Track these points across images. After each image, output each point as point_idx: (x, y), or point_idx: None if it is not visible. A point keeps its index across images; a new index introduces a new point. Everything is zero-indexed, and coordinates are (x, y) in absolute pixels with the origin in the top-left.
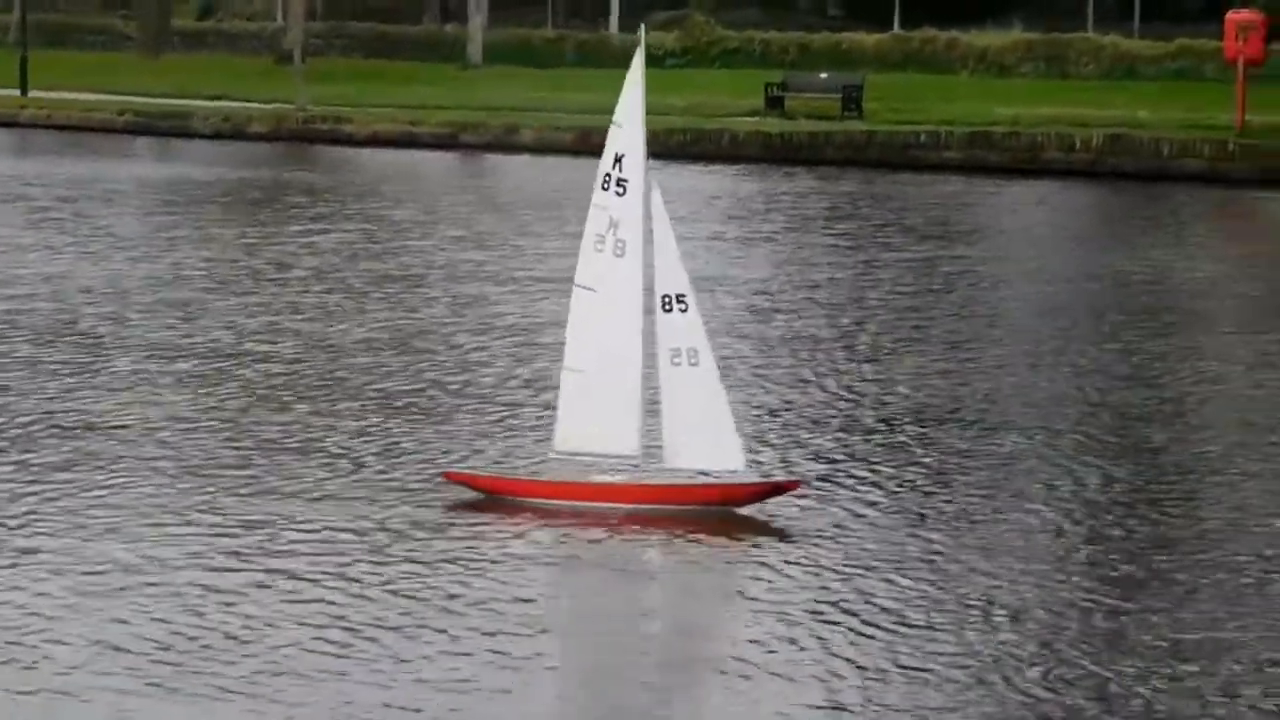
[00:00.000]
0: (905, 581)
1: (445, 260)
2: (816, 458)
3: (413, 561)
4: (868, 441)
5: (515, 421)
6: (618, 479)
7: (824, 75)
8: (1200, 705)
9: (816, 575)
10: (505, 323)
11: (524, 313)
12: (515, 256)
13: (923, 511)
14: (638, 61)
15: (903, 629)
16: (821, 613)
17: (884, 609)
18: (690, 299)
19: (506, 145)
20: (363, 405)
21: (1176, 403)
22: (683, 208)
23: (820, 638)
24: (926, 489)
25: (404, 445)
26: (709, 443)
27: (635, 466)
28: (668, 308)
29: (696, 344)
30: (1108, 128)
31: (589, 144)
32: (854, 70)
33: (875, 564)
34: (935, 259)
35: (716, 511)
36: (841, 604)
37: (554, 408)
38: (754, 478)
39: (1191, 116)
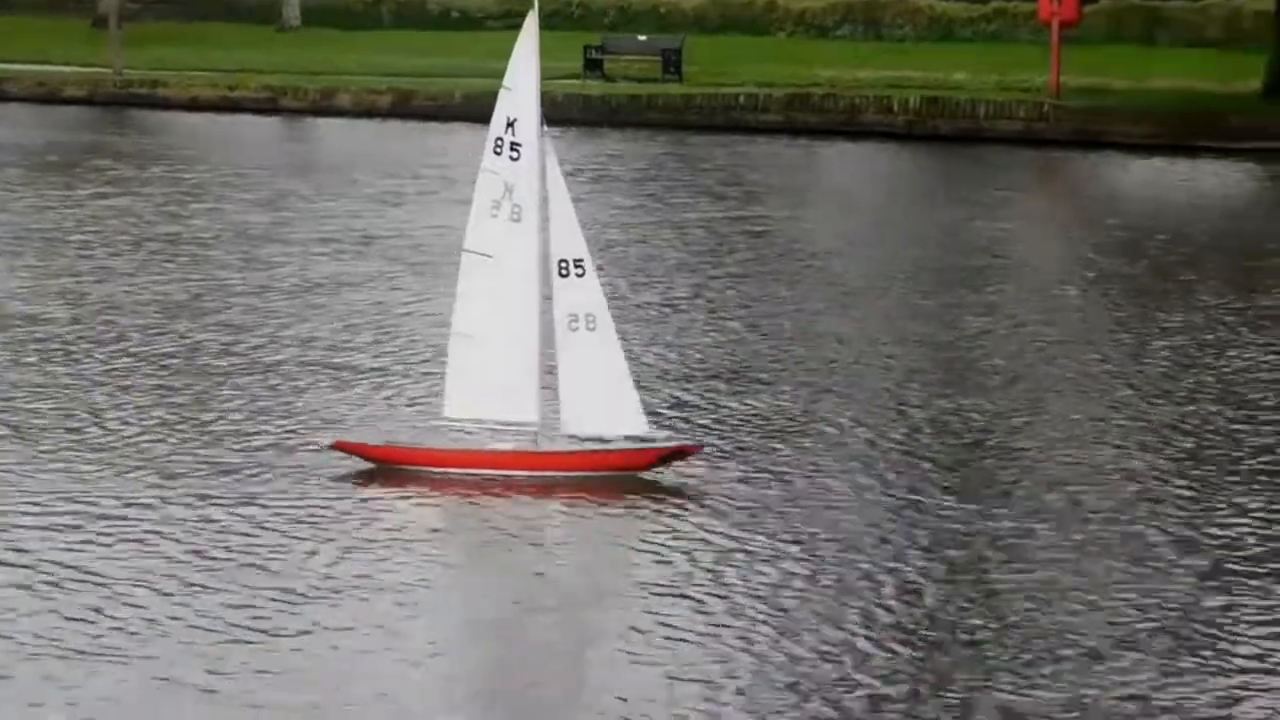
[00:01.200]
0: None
1: (237, 223)
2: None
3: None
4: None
5: (300, 384)
6: (518, 446)
7: (643, 38)
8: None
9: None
10: (284, 285)
11: (303, 275)
12: (308, 218)
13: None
14: (530, 25)
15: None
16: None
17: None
18: (588, 264)
19: (324, 109)
20: (132, 367)
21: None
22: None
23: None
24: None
25: (158, 413)
26: (609, 407)
27: (534, 433)
28: (564, 272)
29: (594, 309)
30: (925, 90)
31: (407, 107)
32: (673, 33)
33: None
34: (737, 219)
35: (618, 476)
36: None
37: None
38: (656, 442)
39: (1007, 79)
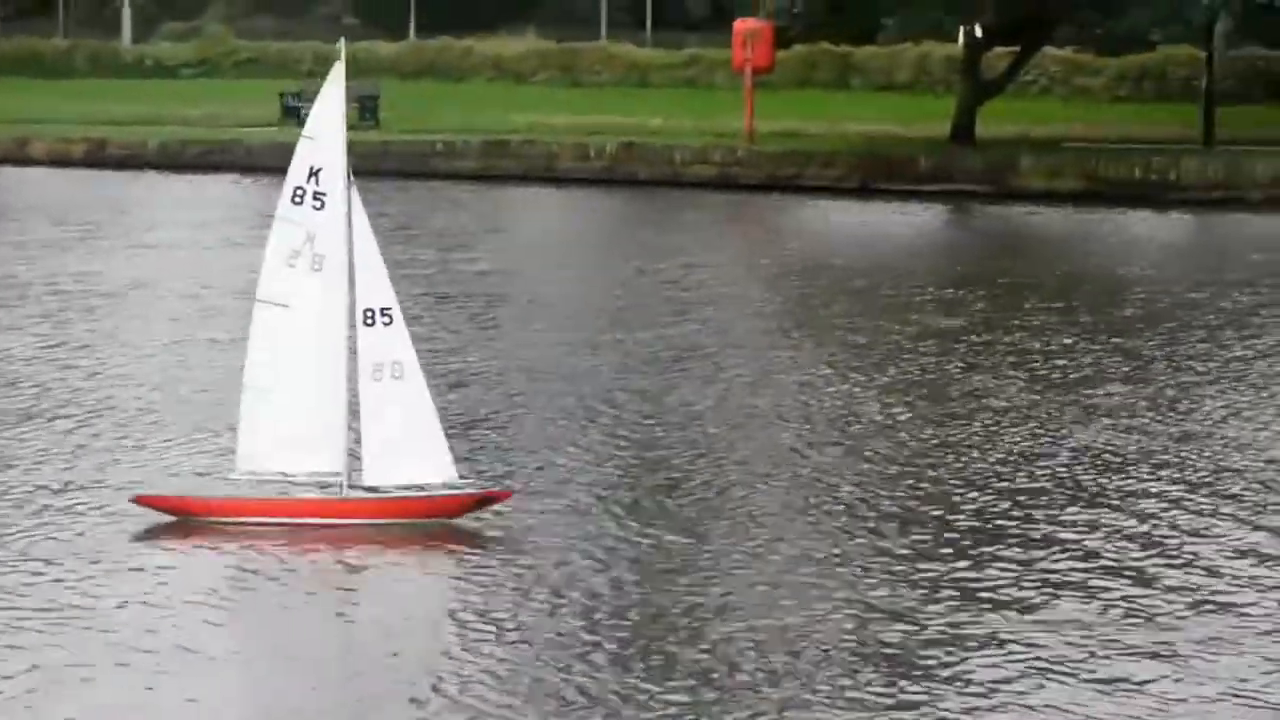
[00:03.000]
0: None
1: None
2: None
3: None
4: None
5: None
6: (324, 495)
7: None
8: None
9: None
10: None
11: None
12: None
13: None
14: (336, 74)
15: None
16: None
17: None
18: (395, 312)
19: (18, 158)
20: None
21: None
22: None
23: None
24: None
25: None
26: (416, 456)
27: (340, 483)
28: (370, 321)
29: (400, 357)
30: (621, 135)
31: (101, 155)
32: (370, 79)
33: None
34: (408, 261)
35: (427, 524)
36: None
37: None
38: (464, 489)
39: (703, 124)
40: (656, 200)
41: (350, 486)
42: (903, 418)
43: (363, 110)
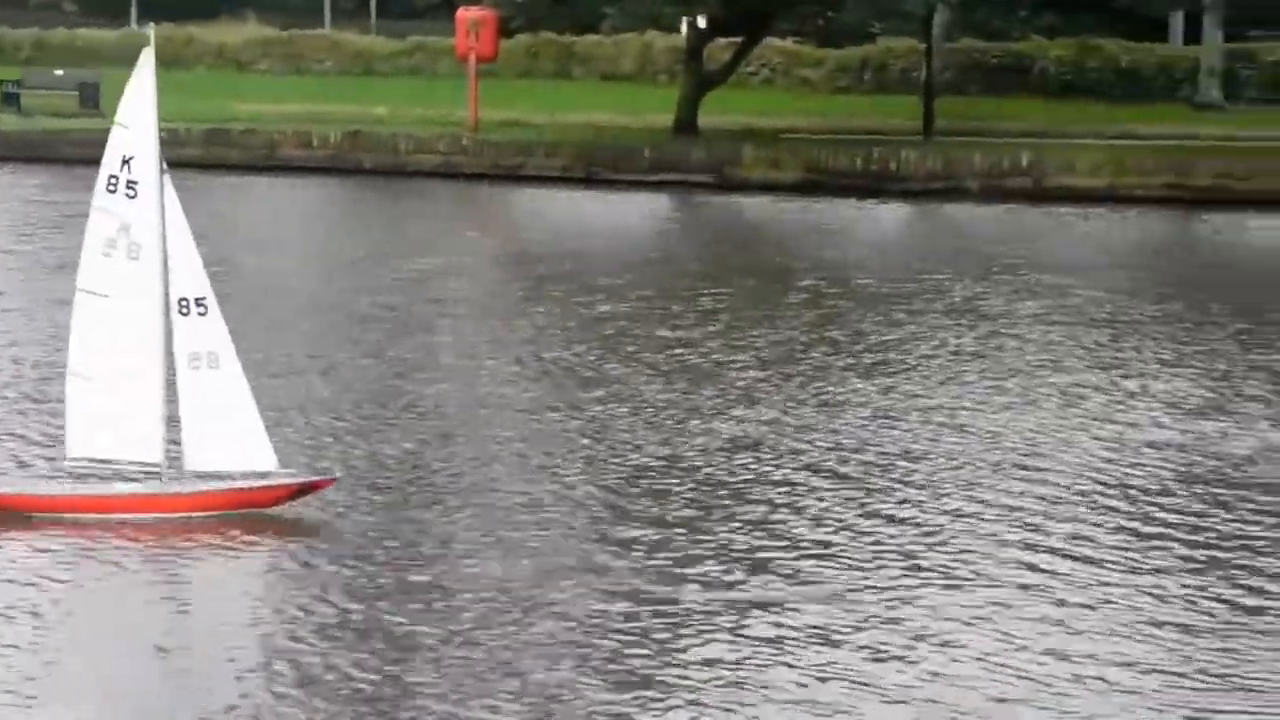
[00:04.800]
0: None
1: None
2: None
3: None
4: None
5: None
6: (144, 487)
7: (60, 72)
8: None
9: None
10: None
11: None
12: None
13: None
14: (146, 63)
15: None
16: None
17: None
18: (210, 301)
19: None
20: None
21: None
22: None
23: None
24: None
25: None
26: (235, 445)
27: (159, 472)
28: (185, 310)
29: (217, 347)
30: (346, 124)
31: None
32: (91, 67)
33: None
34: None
35: (246, 514)
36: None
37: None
38: (284, 478)
39: (428, 113)
40: (380, 189)
41: (171, 475)
42: (540, 401)
43: (84, 98)
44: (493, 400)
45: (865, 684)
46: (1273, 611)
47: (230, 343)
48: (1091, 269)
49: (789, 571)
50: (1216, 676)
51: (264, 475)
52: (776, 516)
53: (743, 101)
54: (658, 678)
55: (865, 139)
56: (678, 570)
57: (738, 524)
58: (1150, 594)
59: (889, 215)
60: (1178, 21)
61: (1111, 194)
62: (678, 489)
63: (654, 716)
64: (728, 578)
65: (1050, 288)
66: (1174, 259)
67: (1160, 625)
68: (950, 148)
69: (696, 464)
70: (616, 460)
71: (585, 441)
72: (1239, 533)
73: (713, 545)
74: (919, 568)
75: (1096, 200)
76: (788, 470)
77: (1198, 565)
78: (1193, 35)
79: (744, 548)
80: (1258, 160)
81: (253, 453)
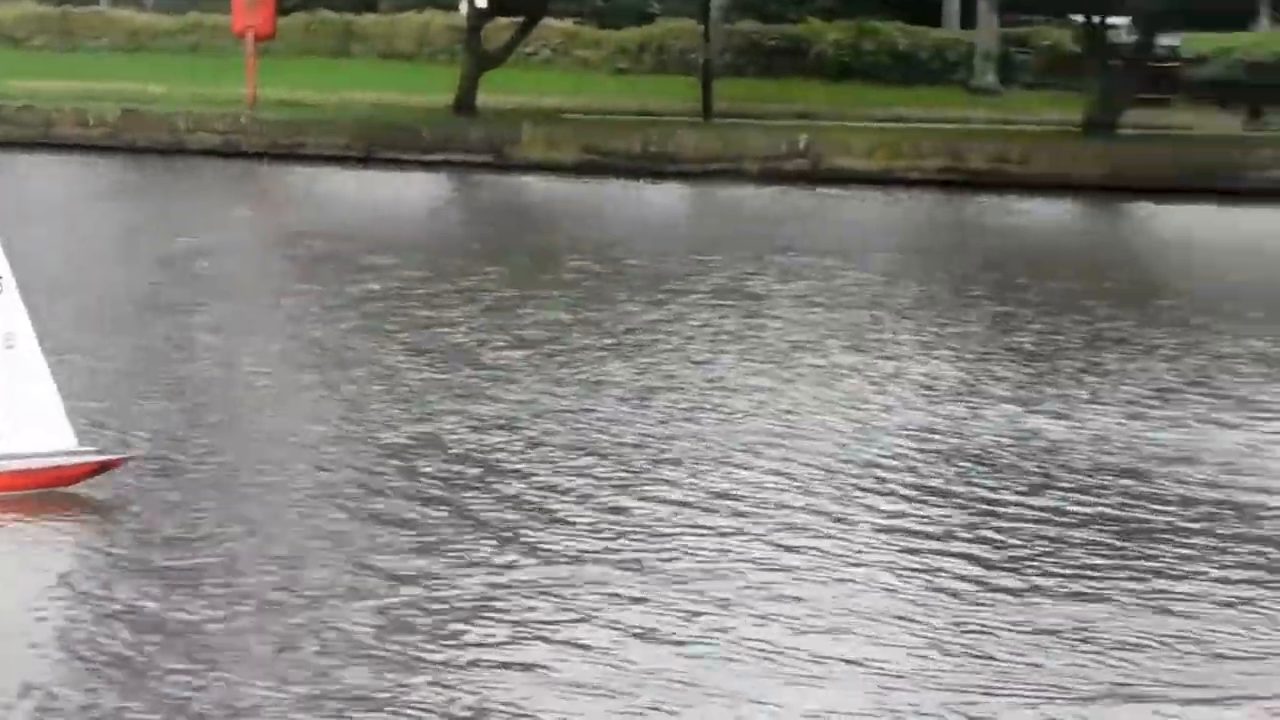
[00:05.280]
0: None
1: None
2: None
3: None
4: None
5: None
6: None
7: None
8: None
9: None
10: None
11: None
12: None
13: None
14: None
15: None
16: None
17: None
18: (6, 282)
19: None
20: None
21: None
22: None
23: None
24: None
25: None
26: (33, 425)
27: None
28: None
29: (14, 327)
30: (122, 102)
31: None
32: None
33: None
34: None
35: (43, 493)
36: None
37: None
38: (83, 456)
39: (205, 91)
40: (157, 168)
41: None
42: (297, 380)
43: None
44: (252, 380)
45: (615, 666)
46: (1010, 588)
47: (28, 322)
48: (861, 251)
49: (541, 550)
50: (956, 656)
51: (61, 454)
52: (529, 496)
53: (522, 82)
54: (414, 656)
55: (644, 120)
56: (431, 549)
57: (489, 503)
58: (896, 573)
59: (666, 196)
60: (954, 6)
61: (887, 176)
62: (430, 468)
63: (409, 694)
64: (478, 555)
65: (818, 269)
66: (943, 242)
67: (904, 602)
68: (728, 129)
69: (451, 443)
70: (371, 439)
71: (341, 421)
72: (984, 512)
73: (467, 525)
74: (670, 547)
75: (872, 183)
76: (544, 449)
77: (943, 544)
78: (969, 19)
79: (496, 526)
80: (1032, 144)
81: (52, 431)
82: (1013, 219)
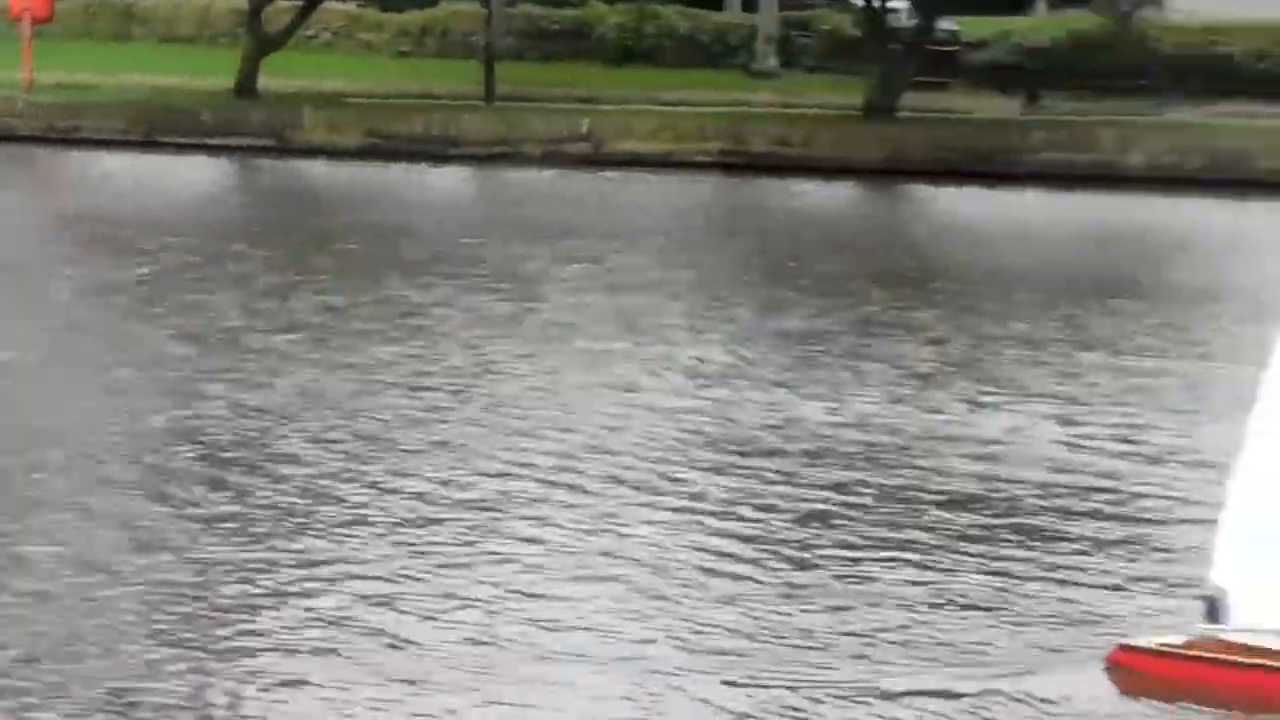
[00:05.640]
0: None
1: None
2: None
3: None
4: None
5: None
6: None
7: None
8: None
9: None
10: None
11: None
12: None
13: None
14: None
15: None
16: None
17: None
18: None
19: None
20: None
21: None
22: None
23: None
24: None
25: None
26: None
27: None
28: None
29: None
30: None
31: None
32: None
33: None
34: None
35: None
36: None
37: None
38: None
39: None
40: None
41: None
42: (58, 367)
43: None
44: (10, 367)
45: (365, 665)
46: (774, 571)
47: None
48: (638, 234)
49: (305, 536)
50: (716, 640)
51: None
52: (295, 483)
53: (304, 65)
54: (167, 654)
55: (427, 104)
56: (193, 539)
57: (255, 490)
58: (659, 558)
59: (447, 180)
60: None
61: (669, 159)
62: (192, 454)
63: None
64: (234, 547)
65: (594, 253)
66: (722, 225)
67: (666, 587)
68: (511, 113)
69: (215, 430)
70: (130, 426)
71: (100, 407)
72: (748, 496)
73: (230, 514)
74: (420, 538)
75: (654, 166)
76: (311, 435)
77: (705, 528)
78: (750, 3)
79: (262, 514)
80: (813, 127)
81: None
82: (792, 202)
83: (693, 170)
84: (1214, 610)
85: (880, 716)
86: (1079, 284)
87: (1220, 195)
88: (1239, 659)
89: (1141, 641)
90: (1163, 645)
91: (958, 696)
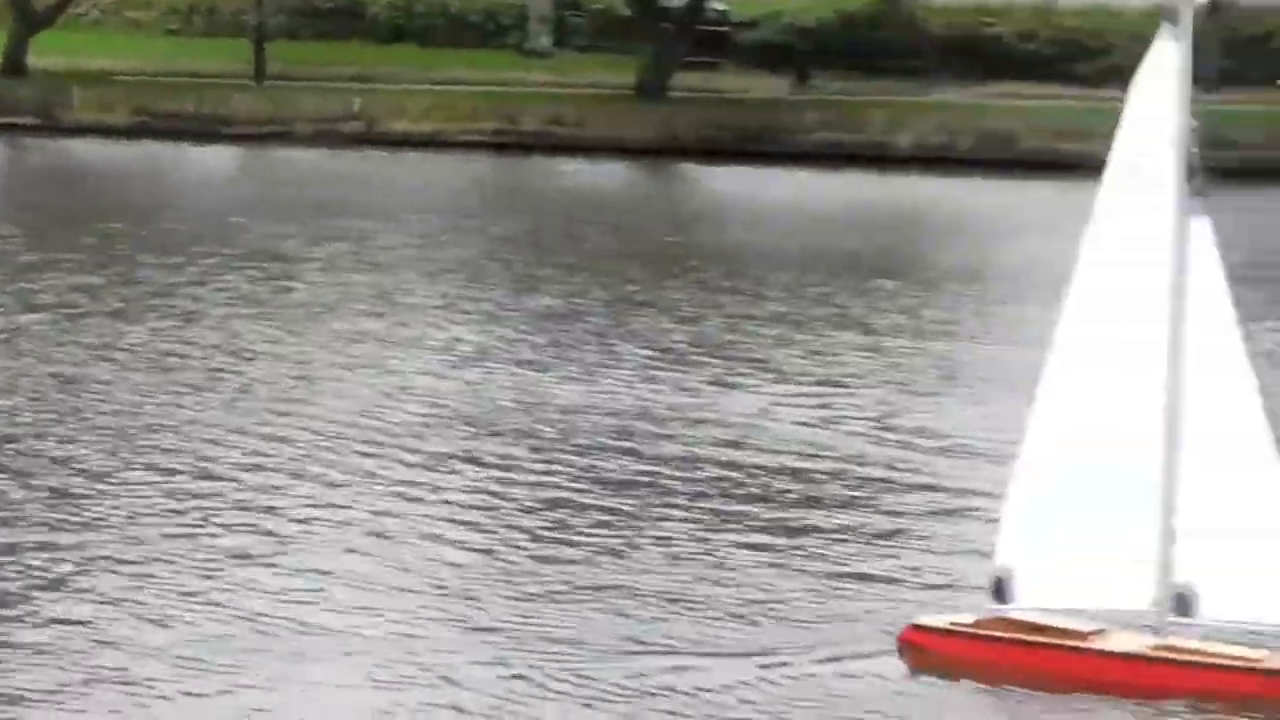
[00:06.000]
0: None
1: None
2: None
3: None
4: None
5: None
6: None
7: None
8: None
9: None
10: None
11: None
12: None
13: None
14: None
15: None
16: None
17: None
18: None
19: None
20: None
21: None
22: None
23: None
24: None
25: None
26: None
27: None
28: None
29: None
30: None
31: None
32: None
33: None
34: None
35: None
36: None
37: None
38: None
39: None
40: None
41: None
42: None
43: None
44: None
45: (104, 642)
46: (518, 549)
47: None
48: (403, 214)
49: (36, 519)
50: (456, 619)
51: None
52: (27, 467)
53: (72, 43)
54: None
55: (197, 83)
56: None
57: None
58: (405, 539)
59: (216, 159)
60: None
61: (440, 139)
62: None
63: None
64: None
65: (354, 233)
66: (488, 205)
67: (406, 568)
68: (282, 92)
69: None
70: None
71: None
72: (494, 477)
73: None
74: (168, 519)
75: (425, 145)
76: (48, 418)
77: (450, 510)
78: None
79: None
80: (584, 107)
81: None
82: (562, 181)
83: (464, 150)
84: (1000, 590)
85: (651, 695)
86: (840, 264)
87: (987, 175)
88: (1025, 637)
89: (931, 621)
90: (952, 624)
91: (741, 679)
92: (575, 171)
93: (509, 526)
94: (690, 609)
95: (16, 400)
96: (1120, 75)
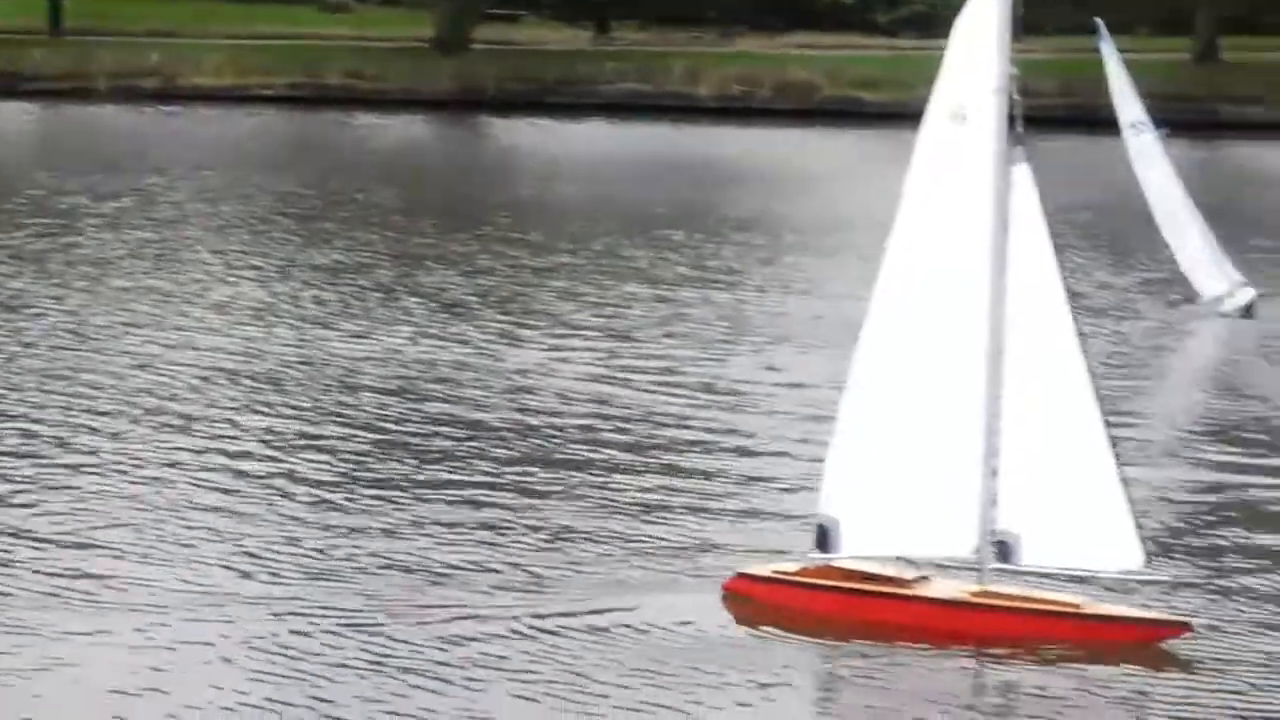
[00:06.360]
0: None
1: None
2: None
3: None
4: None
5: None
6: None
7: None
8: None
9: None
10: None
11: None
12: None
13: None
14: None
15: None
16: None
17: None
18: None
19: None
20: None
21: None
22: None
23: None
24: None
25: None
26: None
27: None
28: None
29: None
30: None
31: None
32: None
33: None
34: None
35: None
36: None
37: None
38: None
39: None
40: None
41: None
42: None
43: None
44: None
45: None
46: (303, 503)
47: None
48: (191, 169)
49: None
50: (205, 583)
51: None
52: None
53: None
54: None
55: None
56: None
57: None
58: (174, 503)
59: (11, 116)
60: None
61: (238, 93)
62: None
63: None
64: None
65: (140, 189)
66: (280, 159)
67: (175, 526)
68: (81, 47)
69: None
70: None
71: None
72: (272, 433)
73: None
74: None
75: (224, 99)
76: None
77: (229, 468)
78: None
79: None
80: (384, 60)
81: None
82: (358, 135)
83: (262, 104)
84: (824, 539)
85: (484, 640)
86: (630, 216)
87: (788, 125)
88: (849, 585)
89: (756, 569)
90: (776, 573)
91: (562, 625)
92: (372, 125)
93: (288, 478)
94: (495, 556)
95: None
96: (918, 25)
